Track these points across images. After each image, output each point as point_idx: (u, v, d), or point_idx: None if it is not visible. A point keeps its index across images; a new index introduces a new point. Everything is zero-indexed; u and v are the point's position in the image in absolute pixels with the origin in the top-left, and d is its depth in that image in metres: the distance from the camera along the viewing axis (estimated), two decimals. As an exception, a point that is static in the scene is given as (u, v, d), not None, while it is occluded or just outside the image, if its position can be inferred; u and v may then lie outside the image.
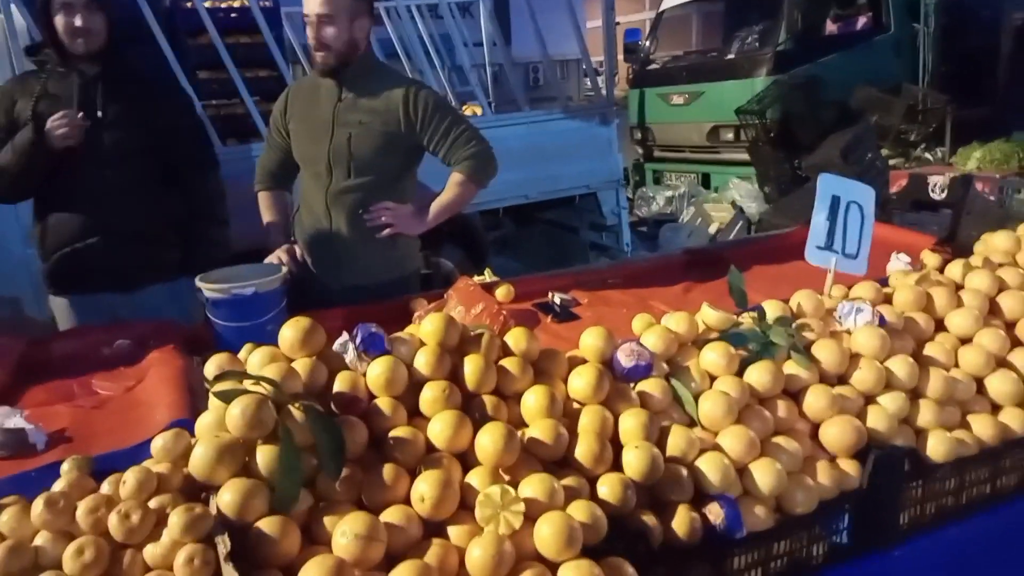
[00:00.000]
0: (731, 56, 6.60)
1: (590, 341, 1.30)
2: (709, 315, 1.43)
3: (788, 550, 1.20)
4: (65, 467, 1.08)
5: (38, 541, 0.92)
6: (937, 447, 1.30)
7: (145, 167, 2.17)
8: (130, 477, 0.95)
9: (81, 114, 2.02)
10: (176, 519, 0.90)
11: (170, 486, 0.98)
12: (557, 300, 2.21)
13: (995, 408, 1.42)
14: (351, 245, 2.20)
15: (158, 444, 1.03)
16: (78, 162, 2.07)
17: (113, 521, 0.91)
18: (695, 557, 1.12)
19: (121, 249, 2.16)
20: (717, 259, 2.45)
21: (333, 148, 2.14)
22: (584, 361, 1.29)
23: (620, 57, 7.59)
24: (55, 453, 1.33)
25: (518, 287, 2.27)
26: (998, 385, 1.40)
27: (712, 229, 5.64)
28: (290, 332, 1.18)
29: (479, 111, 5.15)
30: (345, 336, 1.19)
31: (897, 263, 2.01)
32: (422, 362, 1.19)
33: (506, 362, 1.24)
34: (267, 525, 0.95)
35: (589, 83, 6.53)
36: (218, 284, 1.79)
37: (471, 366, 1.20)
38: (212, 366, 1.22)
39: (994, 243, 1.79)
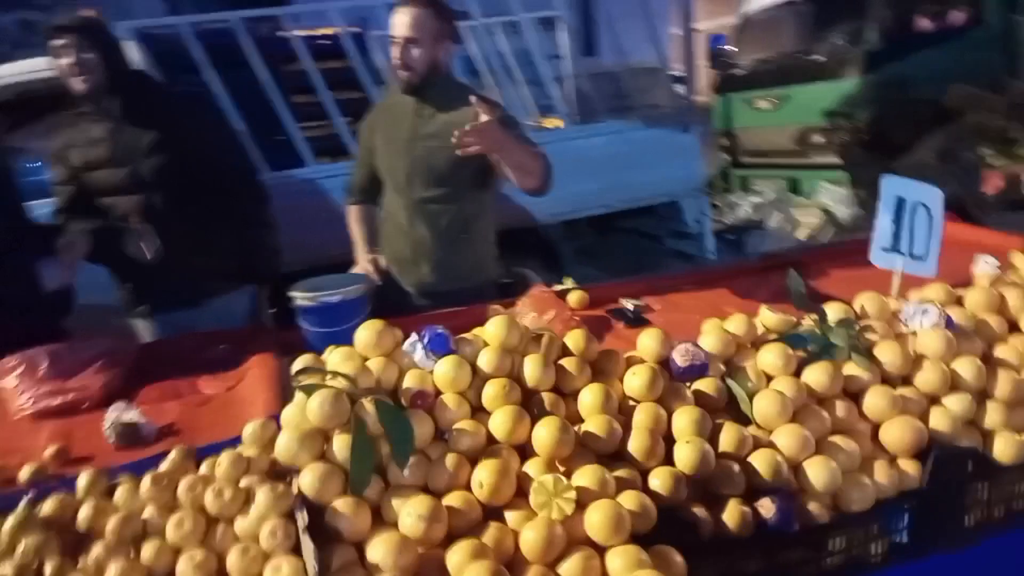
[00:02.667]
0: (818, 57, 6.42)
1: (647, 342, 1.36)
2: (768, 317, 1.45)
3: (844, 547, 1.22)
4: (171, 455, 1.22)
5: (145, 514, 1.05)
6: (1004, 448, 1.28)
7: (188, 187, 2.26)
8: (224, 459, 1.08)
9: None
10: (262, 496, 1.02)
11: (258, 468, 1.10)
12: (630, 306, 2.26)
13: (1072, 411, 1.38)
14: (430, 252, 2.32)
15: (248, 431, 1.16)
16: (127, 198, 2.22)
17: (208, 497, 1.03)
18: (746, 549, 1.15)
19: (180, 269, 2.25)
20: (794, 263, 2.43)
21: (412, 162, 2.27)
22: (641, 361, 1.35)
23: (704, 63, 7.54)
24: (164, 444, 1.47)
25: (591, 294, 2.32)
26: (1074, 387, 1.36)
27: (801, 235, 5.50)
28: (365, 333, 1.29)
29: (561, 123, 5.24)
30: (414, 336, 1.29)
31: (984, 266, 1.96)
32: (484, 361, 1.27)
33: (564, 361, 1.31)
34: (341, 505, 1.05)
35: (680, 90, 6.54)
36: (308, 292, 1.94)
37: (531, 365, 1.27)
38: (298, 365, 1.34)
39: (1078, 242, 1.72)
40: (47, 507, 1.08)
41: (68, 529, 1.06)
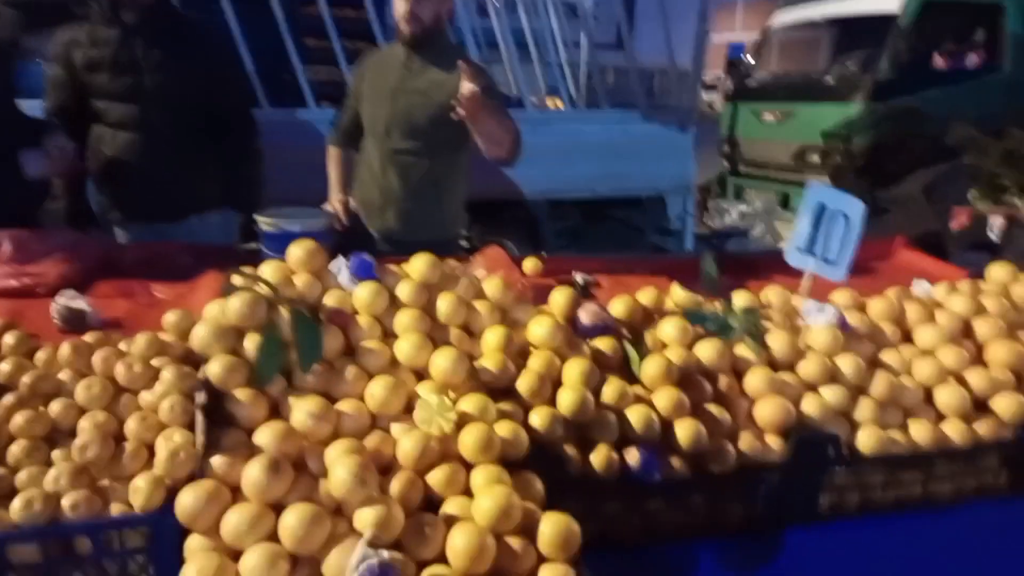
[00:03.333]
0: (829, 78, 6.50)
1: (557, 298, 1.46)
2: (678, 294, 1.55)
3: (704, 506, 1.32)
4: (100, 335, 1.32)
5: (61, 376, 1.16)
6: (867, 440, 1.39)
7: (185, 108, 2.37)
8: (140, 338, 1.18)
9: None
10: (167, 374, 1.12)
11: (172, 353, 1.21)
12: (580, 280, 2.35)
13: (941, 418, 1.49)
14: (399, 201, 2.41)
15: (169, 319, 1.26)
16: (124, 105, 2.32)
17: (119, 369, 1.14)
18: (609, 491, 1.26)
19: (167, 182, 2.38)
20: (749, 264, 2.53)
21: (393, 112, 2.36)
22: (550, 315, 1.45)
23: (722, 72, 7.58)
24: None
25: (548, 264, 2.42)
26: (945, 397, 1.46)
27: (781, 247, 5.59)
28: (296, 250, 1.39)
29: (561, 104, 5.31)
30: (341, 259, 1.39)
31: (917, 288, 2.06)
32: (402, 291, 1.37)
33: (477, 303, 1.41)
34: (241, 393, 1.16)
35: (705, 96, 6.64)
36: (272, 220, 2.04)
37: (443, 301, 1.37)
38: (236, 275, 1.43)
39: (993, 274, 1.82)
40: (-31, 359, 1.18)
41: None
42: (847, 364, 1.44)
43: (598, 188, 4.73)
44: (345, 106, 2.61)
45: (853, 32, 6.78)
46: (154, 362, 1.17)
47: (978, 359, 1.56)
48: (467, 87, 1.97)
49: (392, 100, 2.36)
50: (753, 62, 7.71)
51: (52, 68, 2.34)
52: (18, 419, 1.07)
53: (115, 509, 1.03)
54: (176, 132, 2.38)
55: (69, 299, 1.65)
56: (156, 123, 2.35)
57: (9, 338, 1.23)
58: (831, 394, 1.41)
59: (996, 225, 3.08)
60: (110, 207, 2.49)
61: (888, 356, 1.53)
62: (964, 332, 1.61)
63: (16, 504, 0.97)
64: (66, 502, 0.98)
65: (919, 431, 1.43)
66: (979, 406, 1.50)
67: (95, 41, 2.29)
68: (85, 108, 2.35)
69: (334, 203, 2.52)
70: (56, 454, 1.07)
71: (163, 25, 2.34)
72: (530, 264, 2.37)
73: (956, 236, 3.39)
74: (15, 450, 1.06)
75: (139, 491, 1.01)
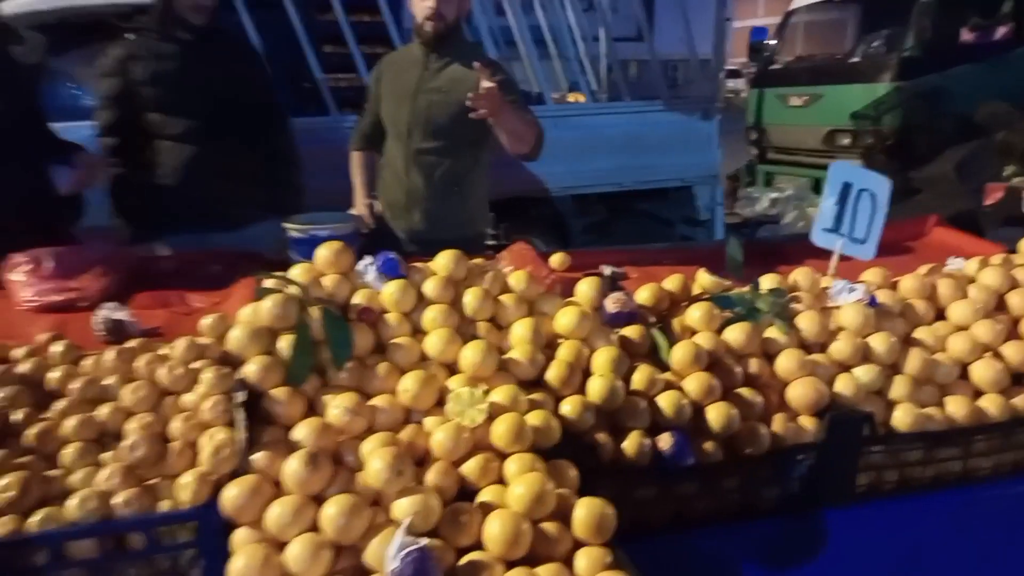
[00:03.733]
0: (855, 59, 6.40)
1: (583, 288, 1.48)
2: (703, 279, 1.56)
3: (737, 488, 1.33)
4: (142, 341, 1.37)
5: (107, 380, 1.20)
6: (903, 418, 1.38)
7: (238, 121, 2.45)
8: (180, 343, 1.22)
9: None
10: (208, 375, 1.16)
11: (211, 355, 1.24)
12: (607, 272, 2.35)
13: (979, 394, 1.47)
14: (423, 200, 2.44)
15: (205, 323, 1.30)
16: (186, 119, 2.40)
17: (162, 372, 1.18)
18: (641, 476, 1.27)
19: (228, 192, 2.45)
20: (779, 250, 2.52)
21: (414, 112, 2.39)
22: (577, 304, 1.46)
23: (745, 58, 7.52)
24: (146, 342, 1.64)
25: (575, 258, 2.42)
26: (981, 371, 1.45)
27: (812, 233, 5.52)
28: (324, 252, 1.42)
29: (582, 98, 5.30)
30: (368, 259, 1.42)
31: (950, 265, 2.03)
32: (429, 288, 1.40)
33: (503, 297, 1.43)
34: (278, 392, 1.19)
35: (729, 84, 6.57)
36: (300, 225, 2.08)
37: (470, 296, 1.40)
38: (267, 278, 1.47)
39: (1025, 246, 1.80)
40: (22, 367, 1.23)
41: (39, 387, 1.21)
42: (879, 342, 1.44)
43: (623, 181, 4.72)
44: (365, 110, 2.65)
45: (877, 11, 6.67)
46: (194, 365, 1.21)
47: (1013, 333, 1.54)
48: (484, 84, 2.00)
49: (412, 100, 2.39)
50: (776, 46, 7.62)
51: (105, 83, 2.40)
52: (69, 424, 1.11)
53: (163, 506, 1.06)
54: (232, 144, 2.46)
55: (111, 311, 1.70)
56: (215, 135, 2.43)
57: (57, 347, 1.28)
58: (864, 373, 1.41)
59: (1028, 199, 3.02)
60: (163, 218, 2.53)
61: (921, 333, 1.51)
62: (998, 306, 1.59)
63: (72, 503, 1.02)
64: (117, 500, 1.02)
65: (956, 407, 1.42)
66: (1017, 379, 1.48)
67: (155, 55, 2.36)
68: (139, 122, 2.42)
69: (360, 207, 2.56)
70: (106, 456, 1.11)
71: (215, 42, 2.43)
72: (557, 259, 2.38)
73: (990, 212, 3.33)
74: (68, 452, 1.10)
75: (186, 487, 1.05)
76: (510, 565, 1.01)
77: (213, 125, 2.41)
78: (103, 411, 1.14)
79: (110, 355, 1.22)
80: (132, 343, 1.29)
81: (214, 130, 2.41)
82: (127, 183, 2.46)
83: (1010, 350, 1.47)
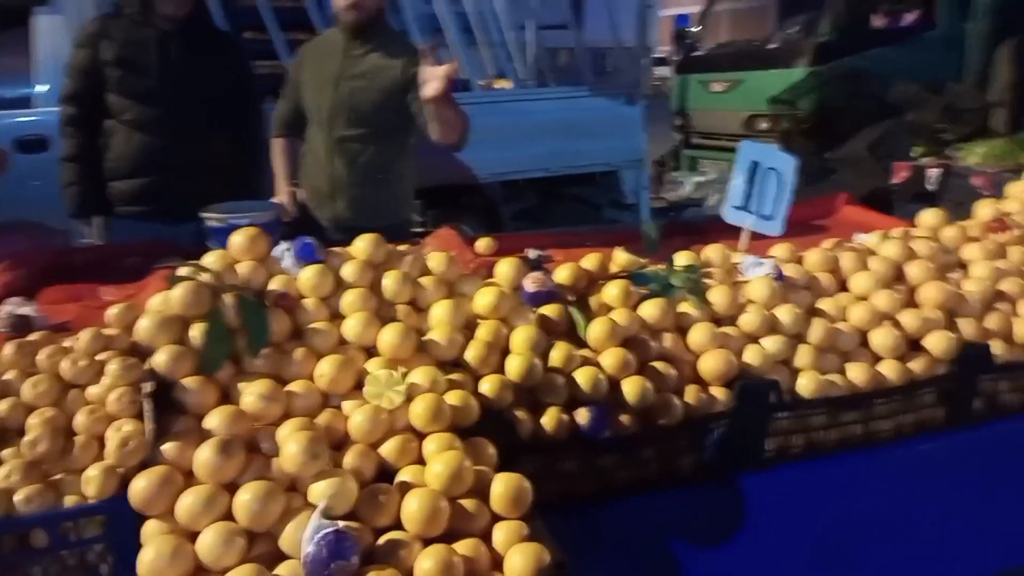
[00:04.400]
0: (773, 45, 6.60)
1: (503, 269, 1.49)
2: (621, 257, 1.59)
3: (655, 458, 1.37)
4: (44, 334, 1.32)
5: (7, 375, 1.16)
6: (807, 384, 1.44)
7: (204, 113, 2.43)
8: (84, 335, 1.19)
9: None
10: (113, 366, 1.13)
11: (117, 346, 1.21)
12: (532, 255, 2.38)
13: (878, 360, 1.55)
14: (347, 188, 2.41)
15: (112, 313, 1.26)
16: (142, 106, 2.36)
17: (64, 365, 1.14)
18: (561, 451, 1.29)
19: (183, 182, 2.38)
20: (698, 230, 2.58)
21: (336, 99, 2.36)
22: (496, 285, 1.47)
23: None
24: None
25: (501, 243, 2.44)
26: (880, 339, 1.53)
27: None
28: (238, 238, 1.39)
29: (509, 85, 5.30)
30: (284, 244, 1.40)
31: (856, 239, 2.12)
32: (347, 271, 1.39)
33: (423, 279, 1.43)
34: (189, 381, 1.17)
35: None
36: (219, 215, 2.03)
37: (388, 279, 1.39)
38: (181, 267, 1.44)
39: (923, 219, 1.89)
40: (-85, 362, 1.18)
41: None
42: (785, 314, 1.50)
43: (551, 166, 4.76)
44: (284, 97, 2.59)
45: (794, -3, 6.89)
46: (99, 356, 1.17)
47: (911, 301, 1.63)
48: (441, 69, 1.98)
49: (334, 88, 2.36)
50: (700, 32, 7.78)
51: (76, 55, 2.38)
52: (-36, 420, 1.07)
53: (69, 501, 1.03)
54: (190, 138, 2.42)
55: (15, 306, 1.63)
56: (172, 127, 2.39)
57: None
58: (771, 343, 1.47)
59: (932, 176, 3.18)
60: (120, 203, 2.48)
61: (824, 304, 1.58)
62: (897, 277, 1.67)
63: (-32, 503, 0.98)
64: (19, 497, 0.99)
65: (856, 373, 1.49)
66: (913, 346, 1.57)
67: (128, 40, 2.33)
68: (100, 100, 2.38)
69: (282, 195, 2.52)
70: (6, 452, 1.07)
71: (192, 34, 2.40)
72: (483, 243, 2.39)
73: (898, 190, 3.49)
74: (-36, 452, 1.06)
75: (92, 480, 1.02)
76: (429, 542, 1.02)
77: (171, 117, 2.39)
78: (2, 407, 1.10)
79: (9, 349, 1.17)
80: (34, 336, 1.24)
81: (171, 122, 2.39)
82: (78, 156, 2.43)
83: (907, 318, 1.56)
